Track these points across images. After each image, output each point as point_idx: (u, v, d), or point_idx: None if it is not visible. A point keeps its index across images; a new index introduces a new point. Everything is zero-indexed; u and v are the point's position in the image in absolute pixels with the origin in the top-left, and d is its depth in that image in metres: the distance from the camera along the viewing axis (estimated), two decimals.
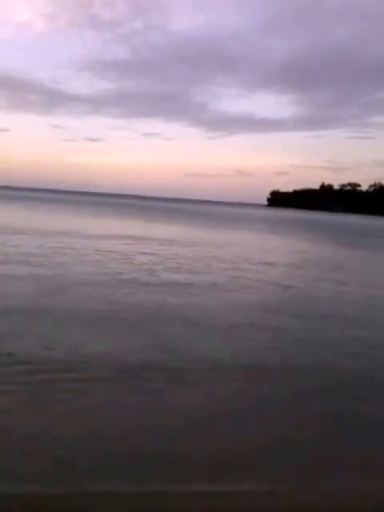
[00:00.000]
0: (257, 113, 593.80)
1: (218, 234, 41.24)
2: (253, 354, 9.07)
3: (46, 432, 5.88)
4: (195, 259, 22.32)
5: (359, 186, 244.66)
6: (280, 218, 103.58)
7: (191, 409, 6.80)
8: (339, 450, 6.04)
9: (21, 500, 4.64)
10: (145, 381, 7.56)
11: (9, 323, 9.93)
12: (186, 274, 17.83)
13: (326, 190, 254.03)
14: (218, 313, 12.17)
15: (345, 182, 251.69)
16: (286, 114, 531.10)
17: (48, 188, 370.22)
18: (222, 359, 8.76)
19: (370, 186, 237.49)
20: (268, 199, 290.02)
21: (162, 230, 41.94)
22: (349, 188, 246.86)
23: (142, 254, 22.82)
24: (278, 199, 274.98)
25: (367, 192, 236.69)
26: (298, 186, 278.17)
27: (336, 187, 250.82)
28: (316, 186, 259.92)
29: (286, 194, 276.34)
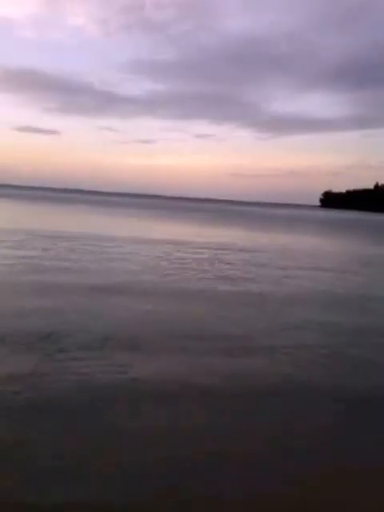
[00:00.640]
0: (309, 113, 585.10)
1: (293, 239, 39.82)
2: None
3: None
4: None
5: None
6: (341, 220, 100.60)
7: None
8: None
9: None
10: None
11: None
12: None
13: (380, 190, 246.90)
14: None
15: None
16: (340, 114, 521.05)
17: (100, 190, 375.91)
18: None
19: None
20: (321, 200, 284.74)
21: (232, 234, 40.93)
22: None
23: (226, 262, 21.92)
24: (331, 200, 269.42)
25: None
26: (352, 187, 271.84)
27: None
28: (370, 186, 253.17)
29: (340, 194, 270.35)
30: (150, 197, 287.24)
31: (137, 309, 12.16)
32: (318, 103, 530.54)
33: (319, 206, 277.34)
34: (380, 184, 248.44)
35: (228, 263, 21.66)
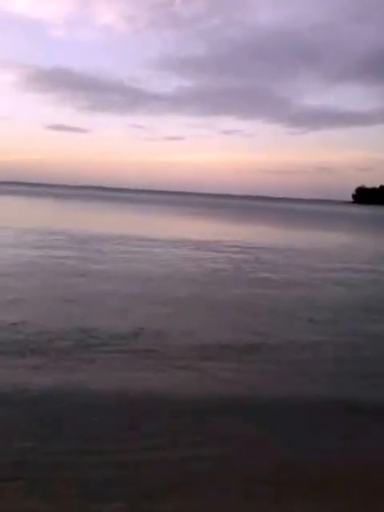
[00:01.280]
0: (341, 106, 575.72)
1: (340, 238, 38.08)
2: None
3: None
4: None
5: None
6: (379, 217, 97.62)
7: None
8: None
9: None
10: None
11: None
12: None
13: None
14: None
15: None
16: (372, 107, 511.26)
17: (130, 188, 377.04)
18: None
19: None
20: (353, 196, 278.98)
21: (269, 234, 39.41)
22: None
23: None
24: (365, 195, 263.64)
25: None
26: None
27: None
28: None
29: (373, 189, 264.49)
30: (178, 194, 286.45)
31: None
32: (350, 96, 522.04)
33: (351, 202, 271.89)
34: None
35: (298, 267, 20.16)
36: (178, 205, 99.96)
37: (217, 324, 10.74)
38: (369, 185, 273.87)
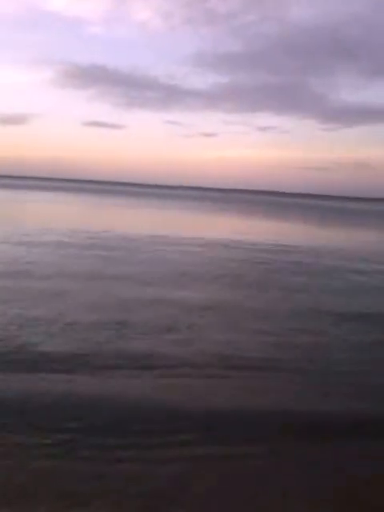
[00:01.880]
0: (380, 102, 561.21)
1: None
2: None
3: None
4: None
5: None
6: None
7: None
8: None
9: None
10: None
11: None
12: None
13: None
14: None
15: None
16: None
17: (166, 184, 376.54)
18: None
19: None
20: None
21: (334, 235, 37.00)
22: None
23: None
24: None
25: None
26: None
27: None
28: None
29: None
30: (213, 190, 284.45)
31: None
32: None
33: None
34: None
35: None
36: (215, 202, 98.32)
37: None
38: None
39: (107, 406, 6.15)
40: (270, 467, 5.05)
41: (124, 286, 13.05)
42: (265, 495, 4.56)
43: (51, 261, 16.16)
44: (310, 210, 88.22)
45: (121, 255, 18.38)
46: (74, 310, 10.27)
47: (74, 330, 8.98)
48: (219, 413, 6.18)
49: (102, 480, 4.65)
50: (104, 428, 5.63)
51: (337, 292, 14.23)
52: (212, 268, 16.86)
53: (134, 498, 4.40)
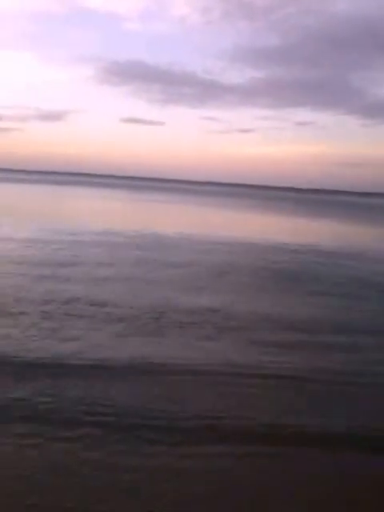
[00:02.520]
0: None
1: None
2: None
3: None
4: None
5: None
6: None
7: None
8: None
9: None
10: None
11: None
12: None
13: None
14: None
15: None
16: None
17: (202, 180, 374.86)
18: None
19: None
20: None
21: None
22: None
23: None
24: None
25: None
26: None
27: None
28: None
29: None
30: (250, 187, 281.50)
31: None
32: None
33: None
34: None
35: None
36: (255, 199, 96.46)
37: None
38: None
39: None
40: None
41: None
42: None
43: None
44: (354, 207, 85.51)
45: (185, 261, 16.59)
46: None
47: None
48: None
49: None
50: None
51: None
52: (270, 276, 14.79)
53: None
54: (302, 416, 5.77)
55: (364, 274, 16.35)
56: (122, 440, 5.07)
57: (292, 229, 33.25)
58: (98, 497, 4.14)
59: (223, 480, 4.48)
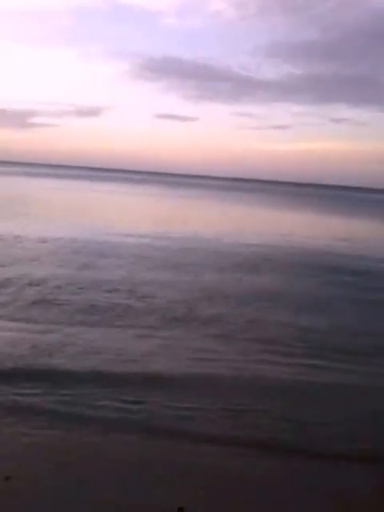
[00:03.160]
0: None
1: None
2: None
3: None
4: None
5: None
6: None
7: None
8: None
9: None
10: None
11: None
12: None
13: None
14: None
15: None
16: None
17: (236, 177, 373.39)
18: None
19: None
20: None
21: None
22: None
23: None
24: None
25: None
26: None
27: None
28: None
29: None
30: (286, 184, 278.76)
31: None
32: None
33: None
34: None
35: None
36: (287, 196, 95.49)
37: None
38: None
39: None
40: None
41: None
42: None
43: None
44: None
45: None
46: None
47: None
48: None
49: None
50: None
51: None
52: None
53: None
54: None
55: None
56: None
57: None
58: None
59: None
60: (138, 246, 19.15)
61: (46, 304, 10.49)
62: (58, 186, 65.72)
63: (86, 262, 15.17)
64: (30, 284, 11.98)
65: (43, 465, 5.18)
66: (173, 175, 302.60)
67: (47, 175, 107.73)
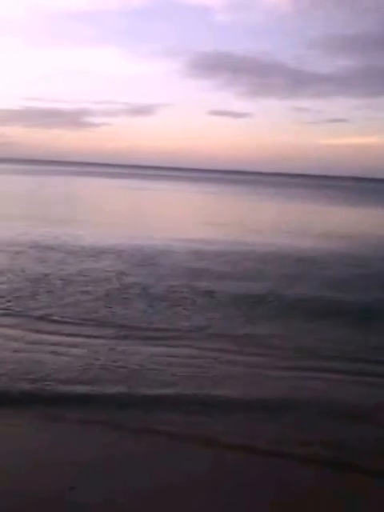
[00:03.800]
0: None
1: None
2: None
3: None
4: None
5: None
6: None
7: None
8: None
9: None
10: None
11: None
12: None
13: None
14: None
15: None
16: None
17: (295, 173, 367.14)
18: None
19: None
20: None
21: None
22: None
23: None
24: None
25: None
26: None
27: None
28: None
29: None
30: (342, 179, 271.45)
31: None
32: None
33: None
34: None
35: None
36: (350, 191, 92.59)
37: None
38: None
39: None
40: None
41: None
42: None
43: None
44: None
45: None
46: None
47: None
48: None
49: None
50: None
51: None
52: None
53: None
54: None
55: None
56: None
57: None
58: None
59: None
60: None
61: None
62: (121, 184, 65.89)
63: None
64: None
65: None
66: (228, 172, 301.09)
67: (107, 174, 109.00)
